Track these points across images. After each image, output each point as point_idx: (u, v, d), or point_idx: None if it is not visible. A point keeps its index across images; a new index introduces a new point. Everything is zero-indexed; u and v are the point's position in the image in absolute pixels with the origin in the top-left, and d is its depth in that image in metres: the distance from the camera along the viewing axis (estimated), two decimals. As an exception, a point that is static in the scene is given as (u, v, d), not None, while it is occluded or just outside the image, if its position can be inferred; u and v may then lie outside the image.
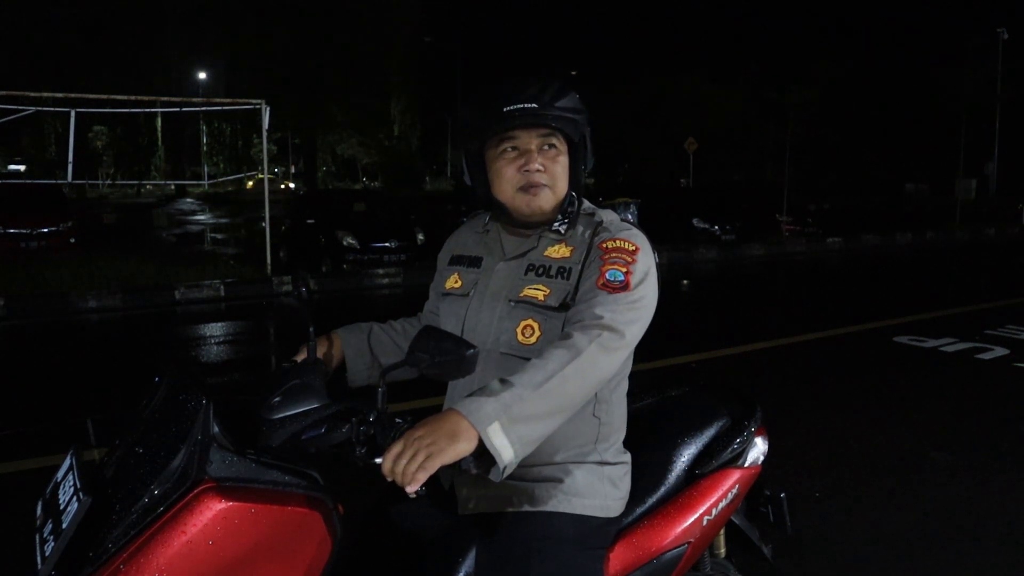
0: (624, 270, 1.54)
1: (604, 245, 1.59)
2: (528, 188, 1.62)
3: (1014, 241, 19.40)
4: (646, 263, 1.58)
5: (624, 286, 1.52)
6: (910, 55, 40.16)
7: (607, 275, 1.54)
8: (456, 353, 1.33)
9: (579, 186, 1.68)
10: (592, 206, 1.73)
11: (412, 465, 1.24)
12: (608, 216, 1.69)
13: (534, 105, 1.57)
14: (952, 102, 23.51)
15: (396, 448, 1.27)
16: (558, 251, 1.64)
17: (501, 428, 1.30)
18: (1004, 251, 17.11)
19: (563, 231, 1.66)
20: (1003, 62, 27.49)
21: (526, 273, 1.63)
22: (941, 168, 32.97)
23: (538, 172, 1.61)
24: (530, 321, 1.59)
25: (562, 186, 1.65)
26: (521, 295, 1.61)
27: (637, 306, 1.52)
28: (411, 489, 1.24)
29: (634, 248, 1.58)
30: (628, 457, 1.70)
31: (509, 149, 1.62)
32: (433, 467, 1.24)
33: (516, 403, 1.32)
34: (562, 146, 1.64)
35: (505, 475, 1.33)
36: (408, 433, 1.29)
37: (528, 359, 1.46)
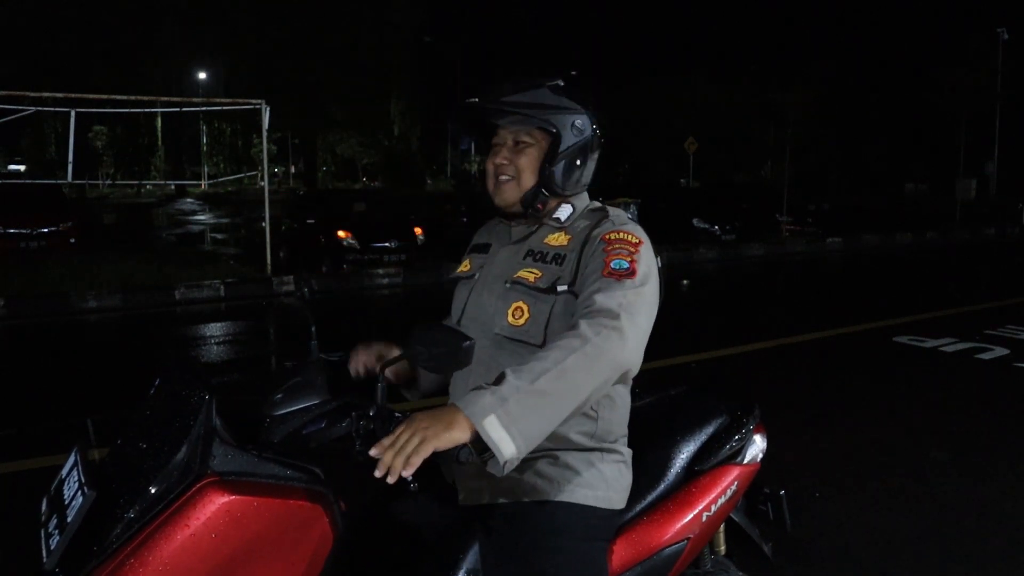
0: (628, 259, 1.55)
1: (607, 236, 1.60)
2: (495, 181, 1.69)
3: (1014, 241, 19.41)
4: (649, 257, 1.59)
5: (630, 272, 1.52)
6: (910, 55, 40.16)
7: (612, 264, 1.54)
8: (452, 345, 1.34)
9: (550, 180, 1.65)
10: (601, 204, 1.76)
11: (408, 447, 1.25)
12: (615, 211, 1.71)
13: (475, 100, 1.65)
14: (952, 102, 23.55)
15: (393, 435, 1.27)
16: (557, 239, 1.67)
17: (499, 422, 1.29)
18: (1004, 251, 17.11)
19: (563, 219, 1.70)
20: (1003, 62, 27.51)
21: (524, 258, 1.68)
22: (941, 168, 32.95)
23: (502, 165, 1.68)
24: (520, 303, 1.61)
25: (527, 178, 1.67)
26: (515, 276, 1.64)
27: (644, 292, 1.52)
28: (406, 473, 1.23)
29: (637, 241, 1.60)
30: (629, 452, 1.70)
31: (494, 145, 1.71)
32: (426, 451, 1.25)
33: (513, 395, 1.31)
34: (537, 141, 1.67)
35: (507, 470, 1.32)
36: (406, 421, 1.30)
37: (522, 341, 1.53)
